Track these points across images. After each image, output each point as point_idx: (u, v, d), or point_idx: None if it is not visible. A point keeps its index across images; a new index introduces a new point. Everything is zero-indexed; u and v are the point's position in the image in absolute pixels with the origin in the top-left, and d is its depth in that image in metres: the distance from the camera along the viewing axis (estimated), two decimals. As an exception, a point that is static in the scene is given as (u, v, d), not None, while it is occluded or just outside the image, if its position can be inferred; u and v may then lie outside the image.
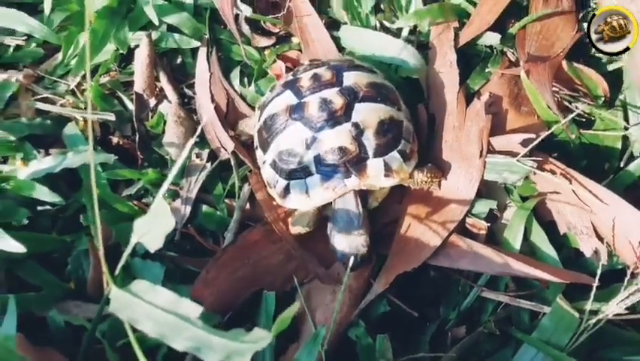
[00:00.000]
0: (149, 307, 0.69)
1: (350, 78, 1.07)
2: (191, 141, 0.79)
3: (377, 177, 1.00)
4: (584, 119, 1.21)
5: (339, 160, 0.99)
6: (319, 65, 1.12)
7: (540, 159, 1.06)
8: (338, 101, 1.02)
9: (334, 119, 1.01)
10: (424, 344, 1.01)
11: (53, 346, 0.93)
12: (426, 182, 1.06)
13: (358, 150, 1.00)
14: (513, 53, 1.27)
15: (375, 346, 0.96)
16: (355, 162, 0.99)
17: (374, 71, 1.14)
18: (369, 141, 1.01)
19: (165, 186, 0.75)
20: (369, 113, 1.03)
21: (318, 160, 1.00)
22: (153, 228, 0.74)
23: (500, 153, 1.09)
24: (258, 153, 1.11)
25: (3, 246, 0.85)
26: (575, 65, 1.22)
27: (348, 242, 0.98)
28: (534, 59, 1.19)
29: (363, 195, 1.03)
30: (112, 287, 0.73)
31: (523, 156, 1.05)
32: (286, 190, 1.02)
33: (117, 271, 0.79)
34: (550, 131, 1.08)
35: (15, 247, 0.93)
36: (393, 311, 1.03)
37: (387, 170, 1.01)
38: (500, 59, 1.25)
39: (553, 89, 1.19)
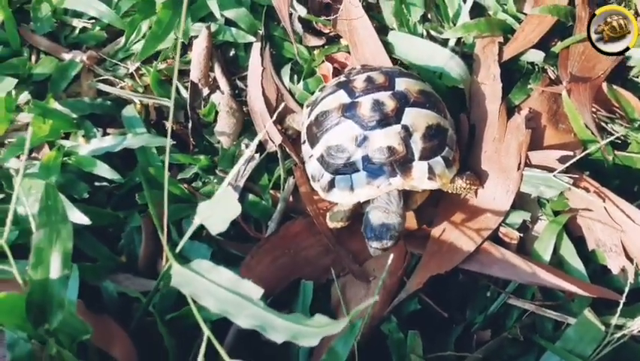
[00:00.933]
0: (211, 285, 0.73)
1: (402, 84, 1.12)
2: (256, 140, 0.85)
3: (421, 179, 1.05)
4: (619, 141, 1.24)
5: (386, 159, 1.04)
6: (372, 70, 1.16)
7: (576, 176, 1.10)
8: (390, 104, 1.07)
9: (385, 120, 1.06)
10: (450, 344, 1.05)
11: (106, 314, 0.98)
12: (465, 188, 1.11)
13: (405, 151, 1.05)
14: (554, 71, 1.30)
15: (406, 341, 1.01)
16: (401, 163, 1.04)
17: (423, 81, 1.19)
18: (417, 144, 1.06)
19: (232, 174, 0.81)
20: (418, 118, 1.07)
21: (365, 158, 1.05)
22: (217, 212, 0.80)
23: (537, 167, 1.13)
24: (305, 147, 1.16)
25: (70, 216, 0.90)
26: (615, 87, 1.26)
27: (383, 220, 1.01)
28: (575, 79, 1.23)
29: (404, 196, 1.08)
30: (174, 264, 0.78)
31: (559, 172, 1.09)
32: (331, 184, 1.07)
33: (177, 250, 0.85)
34: (588, 151, 1.12)
35: (80, 218, 0.99)
36: (423, 310, 1.08)
37: (431, 173, 1.05)
38: (541, 76, 1.29)
39: (592, 109, 1.23)
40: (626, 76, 1.33)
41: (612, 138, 1.13)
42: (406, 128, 1.06)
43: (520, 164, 1.12)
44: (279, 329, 0.66)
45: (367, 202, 1.08)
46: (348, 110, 1.09)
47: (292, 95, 1.30)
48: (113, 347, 0.93)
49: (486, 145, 1.18)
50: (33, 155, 1.17)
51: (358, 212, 1.11)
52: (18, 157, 1.14)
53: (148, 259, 1.08)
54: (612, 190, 1.10)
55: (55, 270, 0.80)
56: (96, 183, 1.15)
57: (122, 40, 1.31)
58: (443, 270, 1.05)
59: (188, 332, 0.95)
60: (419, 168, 1.05)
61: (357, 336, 0.97)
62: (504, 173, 1.13)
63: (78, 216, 0.99)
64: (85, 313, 0.91)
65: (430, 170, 1.05)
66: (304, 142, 1.16)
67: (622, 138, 1.24)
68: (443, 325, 1.08)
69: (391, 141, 1.05)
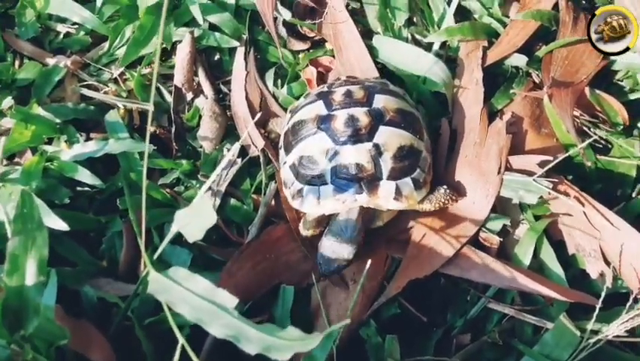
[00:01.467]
0: (187, 293, 0.74)
1: (380, 101, 1.11)
2: (237, 144, 0.85)
3: (386, 198, 1.05)
4: (601, 145, 1.25)
5: (354, 176, 1.04)
6: (355, 83, 1.17)
7: (556, 180, 1.10)
8: (364, 120, 1.07)
9: (357, 136, 1.06)
10: (430, 348, 1.06)
11: (85, 319, 0.99)
12: (433, 210, 1.11)
13: (374, 169, 1.05)
14: (538, 75, 1.31)
15: (384, 345, 1.02)
16: (369, 181, 1.04)
17: (405, 99, 1.19)
18: (386, 164, 1.06)
19: (210, 181, 0.82)
20: (391, 137, 1.08)
21: (334, 172, 1.05)
22: (194, 220, 0.80)
23: (518, 171, 1.13)
24: (281, 153, 1.16)
25: (48, 222, 0.91)
26: (597, 92, 1.26)
27: (334, 248, 1.04)
28: (558, 83, 1.23)
29: (370, 212, 1.09)
30: (151, 271, 0.79)
31: (539, 177, 1.10)
32: (299, 193, 1.08)
33: (155, 256, 0.86)
34: (567, 155, 1.12)
35: (58, 224, 1.00)
36: (403, 314, 1.09)
37: (398, 194, 1.05)
38: (525, 80, 1.29)
39: (574, 113, 1.23)
40: (611, 80, 1.33)
41: (589, 140, 1.14)
42: (377, 146, 1.06)
43: (500, 168, 1.12)
44: (252, 340, 0.67)
45: (333, 215, 1.09)
46: (324, 122, 1.09)
47: (276, 99, 1.31)
48: (92, 351, 0.93)
49: (467, 149, 1.19)
50: (16, 160, 1.18)
51: (326, 223, 1.12)
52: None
53: (129, 263, 1.09)
54: (594, 194, 1.11)
55: (30, 276, 0.80)
56: (78, 188, 1.16)
57: (106, 45, 1.32)
58: (423, 274, 1.06)
59: (167, 336, 0.95)
60: (386, 187, 1.05)
61: (335, 341, 0.98)
62: (484, 177, 1.13)
63: (56, 223, 1.00)
64: (63, 318, 0.92)
65: (397, 190, 1.05)
66: (280, 147, 1.17)
67: (604, 142, 1.25)
68: (424, 329, 1.09)
69: (361, 158, 1.05)
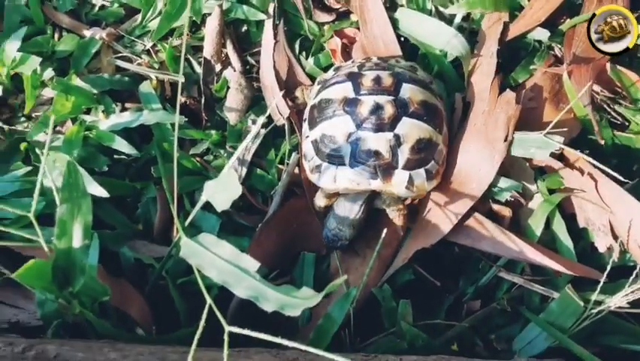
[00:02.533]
0: (214, 258, 0.81)
1: (407, 91, 1.14)
2: (261, 118, 0.90)
3: (399, 186, 1.10)
4: (619, 121, 1.27)
5: (371, 162, 1.09)
6: (385, 68, 1.19)
7: (565, 129, 1.12)
8: (389, 110, 1.11)
9: (380, 125, 1.10)
10: (441, 312, 1.12)
11: (124, 278, 1.08)
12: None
13: (391, 158, 1.09)
14: (560, 49, 1.32)
15: (398, 309, 1.08)
16: (384, 168, 1.09)
17: (431, 88, 1.21)
18: (403, 154, 1.10)
19: (237, 154, 0.88)
20: (412, 129, 1.11)
21: (353, 155, 1.10)
22: (221, 191, 0.87)
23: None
24: (305, 125, 1.20)
25: (90, 190, 0.98)
26: (619, 67, 1.26)
27: (336, 230, 1.12)
28: (579, 60, 1.24)
29: (375, 193, 1.15)
30: (182, 237, 0.86)
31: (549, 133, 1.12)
32: (317, 168, 1.13)
33: (187, 222, 0.93)
34: (567, 108, 1.15)
35: (99, 191, 1.08)
36: (417, 280, 1.15)
37: (410, 183, 1.10)
38: (546, 54, 1.30)
39: (594, 89, 1.24)
40: (634, 55, 1.33)
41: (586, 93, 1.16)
42: (397, 137, 1.10)
43: (507, 136, 1.14)
44: (270, 299, 0.74)
45: (340, 196, 1.16)
46: (350, 105, 1.12)
47: (303, 69, 1.34)
48: (130, 307, 1.03)
49: (476, 118, 1.20)
50: (57, 129, 1.25)
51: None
52: (45, 132, 1.22)
53: (163, 227, 1.17)
54: (611, 169, 1.12)
55: (77, 240, 0.89)
56: (115, 156, 1.23)
57: (139, 17, 1.36)
58: (429, 243, 1.11)
59: (198, 295, 1.03)
60: (400, 176, 1.10)
61: (352, 303, 1.05)
62: (490, 144, 1.15)
63: (97, 190, 1.08)
64: (104, 277, 1.01)
65: (410, 180, 1.10)
66: (305, 120, 1.21)
67: (622, 118, 1.26)
68: (436, 295, 1.15)
69: (380, 146, 1.09)
